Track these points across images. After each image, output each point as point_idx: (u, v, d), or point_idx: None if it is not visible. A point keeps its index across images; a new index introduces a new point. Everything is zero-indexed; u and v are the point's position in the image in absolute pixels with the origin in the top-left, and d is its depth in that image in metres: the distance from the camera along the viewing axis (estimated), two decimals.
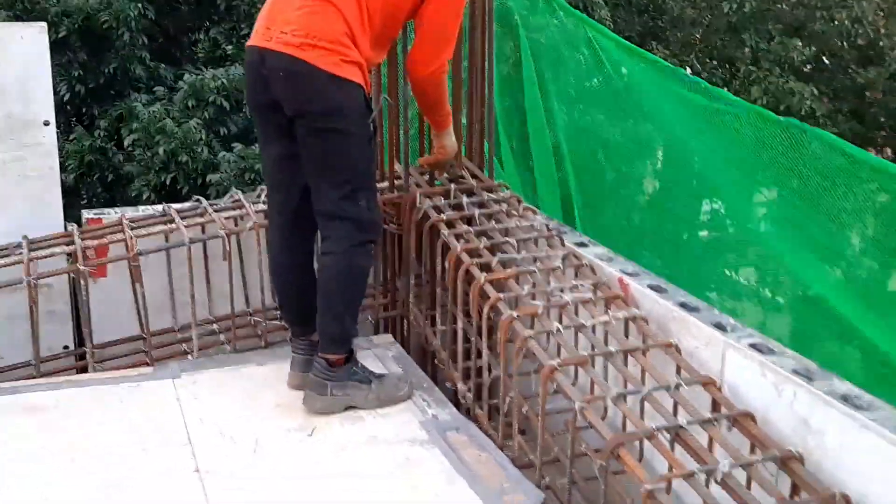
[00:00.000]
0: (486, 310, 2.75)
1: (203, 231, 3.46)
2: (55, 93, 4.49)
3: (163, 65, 8.75)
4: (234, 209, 3.53)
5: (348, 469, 2.51)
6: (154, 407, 2.84)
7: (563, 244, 3.05)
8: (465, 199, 3.31)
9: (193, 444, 2.62)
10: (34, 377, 3.17)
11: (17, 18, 7.85)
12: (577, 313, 2.69)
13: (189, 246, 3.31)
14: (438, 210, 3.26)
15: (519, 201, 3.35)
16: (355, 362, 2.84)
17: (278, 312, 3.36)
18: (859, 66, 10.87)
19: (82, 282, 3.24)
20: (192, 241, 3.33)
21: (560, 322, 2.59)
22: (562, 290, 2.76)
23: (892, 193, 3.38)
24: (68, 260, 3.35)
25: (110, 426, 2.72)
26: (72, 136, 8.08)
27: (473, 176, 3.51)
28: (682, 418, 2.18)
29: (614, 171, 4.67)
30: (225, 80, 7.94)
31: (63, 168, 6.73)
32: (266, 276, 3.42)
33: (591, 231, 3.83)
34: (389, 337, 3.45)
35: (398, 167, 3.54)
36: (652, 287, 2.70)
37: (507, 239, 3.08)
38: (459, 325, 3.02)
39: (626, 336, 2.59)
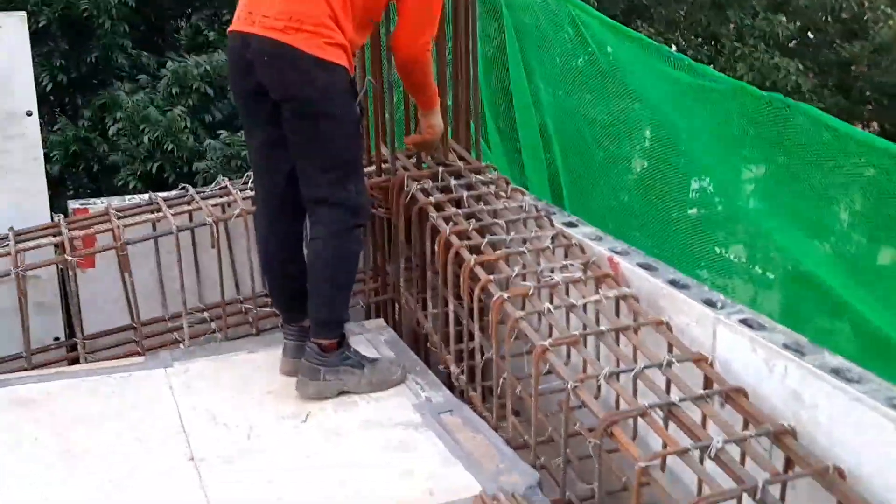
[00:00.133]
0: (476, 292, 2.75)
1: (191, 219, 3.44)
2: (37, 83, 4.45)
3: (145, 53, 8.69)
4: (221, 196, 3.51)
5: (343, 454, 2.51)
6: (147, 396, 2.83)
7: (552, 225, 3.05)
8: (452, 182, 3.30)
9: (187, 432, 2.61)
10: (25, 369, 3.16)
11: None
12: (567, 293, 2.70)
13: (177, 234, 3.30)
14: (426, 193, 3.25)
15: (507, 183, 3.34)
16: (347, 347, 2.84)
17: (269, 299, 3.35)
18: (844, 40, 10.89)
19: (70, 272, 3.22)
20: (179, 230, 3.32)
21: (551, 302, 2.60)
22: (552, 271, 2.77)
23: (878, 168, 3.39)
24: (56, 251, 3.33)
25: (103, 416, 2.71)
26: (56, 127, 8.03)
27: (461, 158, 3.50)
28: (675, 395, 2.19)
29: (602, 150, 4.66)
30: (208, 67, 7.90)
31: (48, 159, 6.70)
32: (255, 263, 3.40)
33: (579, 211, 3.82)
34: (381, 321, 3.45)
35: (385, 150, 3.52)
36: (641, 265, 2.70)
37: (495, 221, 3.08)
38: (451, 307, 3.02)
39: (617, 315, 2.59)
